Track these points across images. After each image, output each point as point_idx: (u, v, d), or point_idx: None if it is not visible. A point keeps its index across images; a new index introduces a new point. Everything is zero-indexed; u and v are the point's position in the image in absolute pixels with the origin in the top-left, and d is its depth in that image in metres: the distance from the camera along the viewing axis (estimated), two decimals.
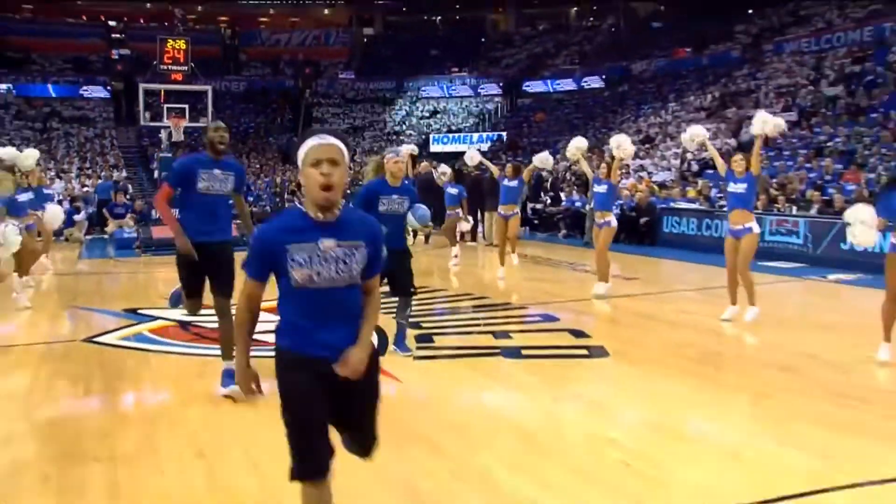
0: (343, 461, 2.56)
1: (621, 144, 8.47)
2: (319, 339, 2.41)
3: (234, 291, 4.59)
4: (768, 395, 4.90)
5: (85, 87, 31.81)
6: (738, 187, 7.08)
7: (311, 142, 2.42)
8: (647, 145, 23.04)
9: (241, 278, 2.61)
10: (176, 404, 4.78)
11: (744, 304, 7.10)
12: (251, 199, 21.56)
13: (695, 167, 19.40)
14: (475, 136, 30.96)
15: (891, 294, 5.51)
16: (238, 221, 5.29)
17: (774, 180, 15.03)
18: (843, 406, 4.62)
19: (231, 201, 4.98)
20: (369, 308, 2.55)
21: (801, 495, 3.27)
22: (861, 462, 3.68)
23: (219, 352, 5.10)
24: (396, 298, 5.85)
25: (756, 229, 7.11)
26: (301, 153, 2.42)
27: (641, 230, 14.76)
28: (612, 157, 8.74)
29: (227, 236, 4.92)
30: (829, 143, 17.60)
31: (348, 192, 14.88)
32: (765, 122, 7.11)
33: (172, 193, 4.85)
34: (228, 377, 4.69)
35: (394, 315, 5.94)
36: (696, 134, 7.65)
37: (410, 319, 6.11)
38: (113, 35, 35.64)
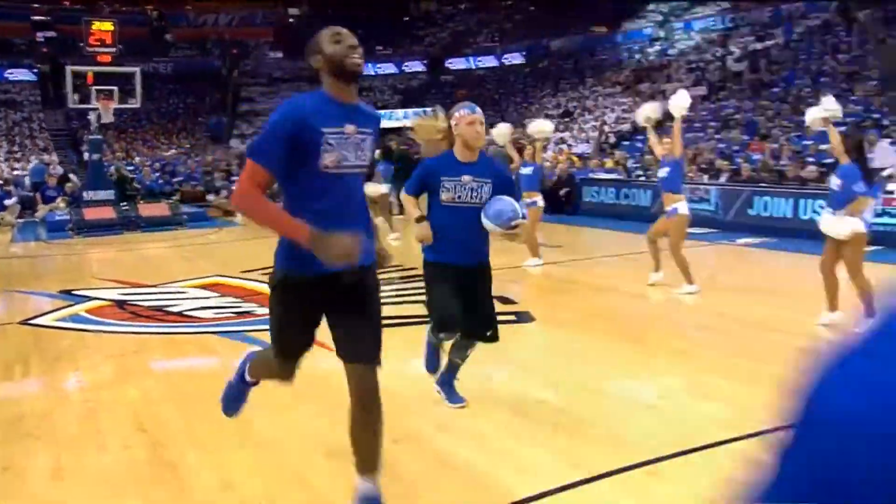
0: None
1: (541, 129, 8.85)
2: None
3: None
4: (685, 352, 5.22)
5: (10, 71, 30.82)
6: (662, 171, 7.15)
7: None
8: (566, 119, 23.58)
9: None
10: (115, 382, 4.74)
11: (678, 278, 7.08)
12: (180, 178, 19.12)
13: (612, 139, 20.00)
14: (401, 111, 30.86)
15: (852, 270, 5.47)
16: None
17: (687, 150, 15.69)
18: (750, 359, 4.97)
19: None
20: None
21: (715, 444, 3.51)
22: (767, 410, 3.99)
23: (156, 329, 4.92)
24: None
25: (682, 210, 7.01)
26: None
27: (562, 200, 15.16)
28: (535, 140, 8.97)
29: (369, 256, 2.66)
30: (735, 116, 18.53)
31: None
32: (679, 107, 7.03)
33: (269, 179, 2.47)
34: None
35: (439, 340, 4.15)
36: (646, 111, 7.48)
37: None
38: (37, 17, 34.09)
